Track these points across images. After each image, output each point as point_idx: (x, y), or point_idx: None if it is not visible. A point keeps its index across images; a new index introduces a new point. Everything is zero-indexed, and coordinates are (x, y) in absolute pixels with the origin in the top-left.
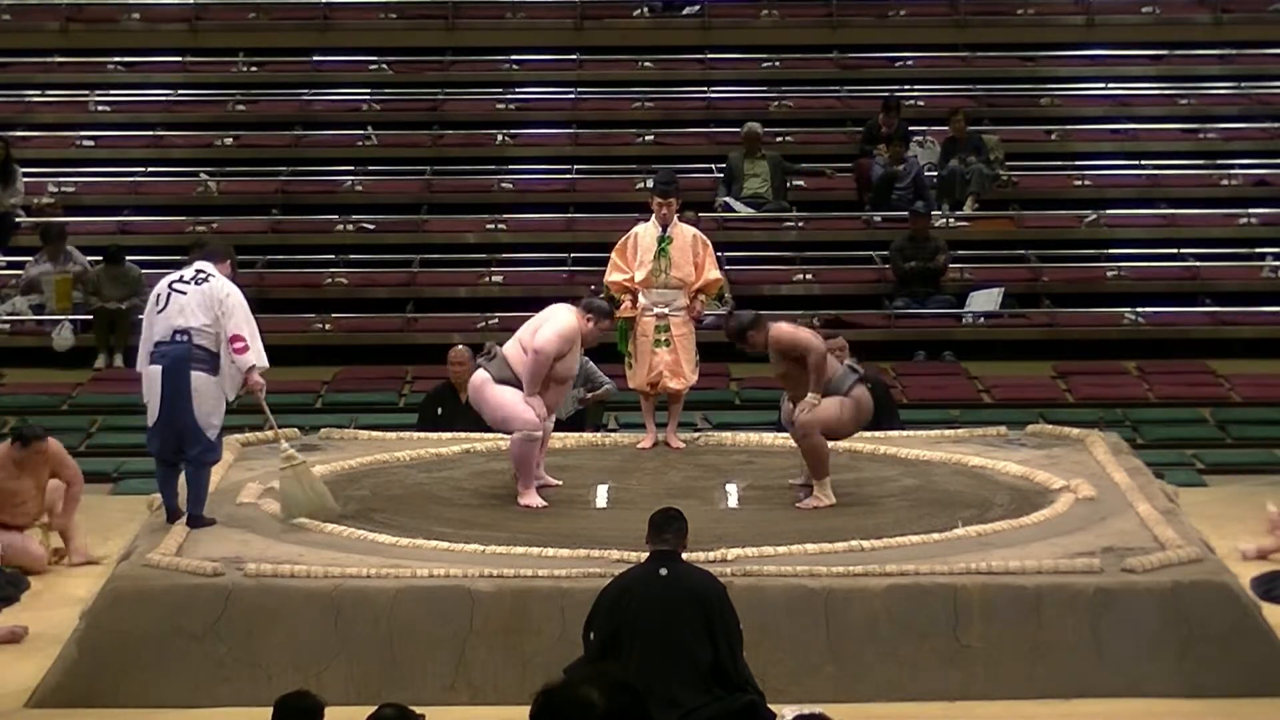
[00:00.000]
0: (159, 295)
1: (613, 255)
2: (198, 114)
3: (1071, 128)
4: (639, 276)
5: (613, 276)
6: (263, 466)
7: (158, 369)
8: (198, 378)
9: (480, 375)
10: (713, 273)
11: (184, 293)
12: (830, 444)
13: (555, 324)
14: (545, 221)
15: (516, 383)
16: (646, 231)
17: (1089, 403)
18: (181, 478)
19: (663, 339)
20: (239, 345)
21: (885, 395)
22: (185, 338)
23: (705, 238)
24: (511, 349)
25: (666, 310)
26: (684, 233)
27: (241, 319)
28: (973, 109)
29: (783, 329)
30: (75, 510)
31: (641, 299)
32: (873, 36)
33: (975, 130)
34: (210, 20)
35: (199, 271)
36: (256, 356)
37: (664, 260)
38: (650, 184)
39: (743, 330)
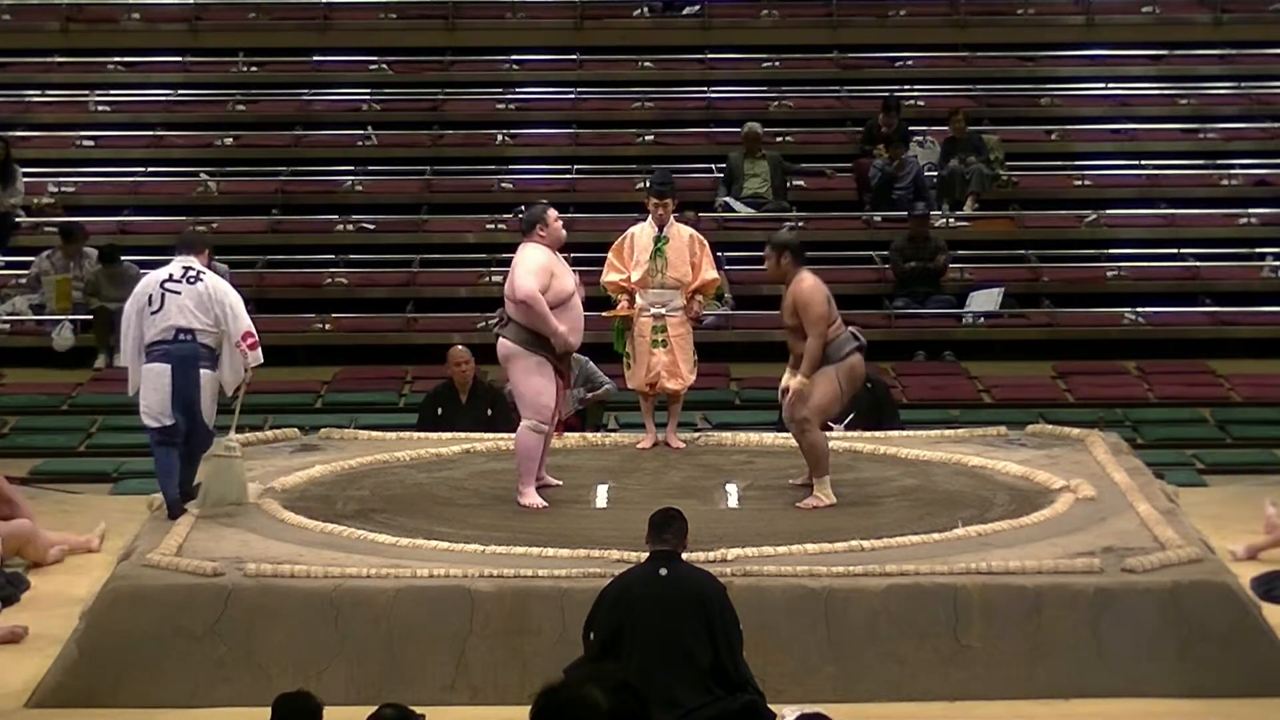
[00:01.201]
0: (150, 295)
1: (609, 255)
2: (198, 114)
3: (1071, 128)
4: (635, 276)
5: (609, 276)
6: (262, 467)
7: (164, 367)
8: (204, 375)
9: (504, 345)
10: (710, 273)
11: (178, 292)
12: (830, 442)
13: (521, 266)
14: None
15: (530, 336)
16: (643, 231)
17: (1089, 403)
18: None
19: (660, 339)
20: (251, 341)
21: (885, 395)
22: (189, 337)
23: (702, 238)
24: (509, 308)
25: (664, 310)
26: (680, 233)
27: (246, 315)
28: (973, 109)
29: (807, 287)
30: (22, 509)
31: (639, 299)
32: (873, 36)
33: (975, 130)
34: (210, 20)
35: (187, 269)
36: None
37: (660, 260)
38: (648, 184)
39: (783, 247)
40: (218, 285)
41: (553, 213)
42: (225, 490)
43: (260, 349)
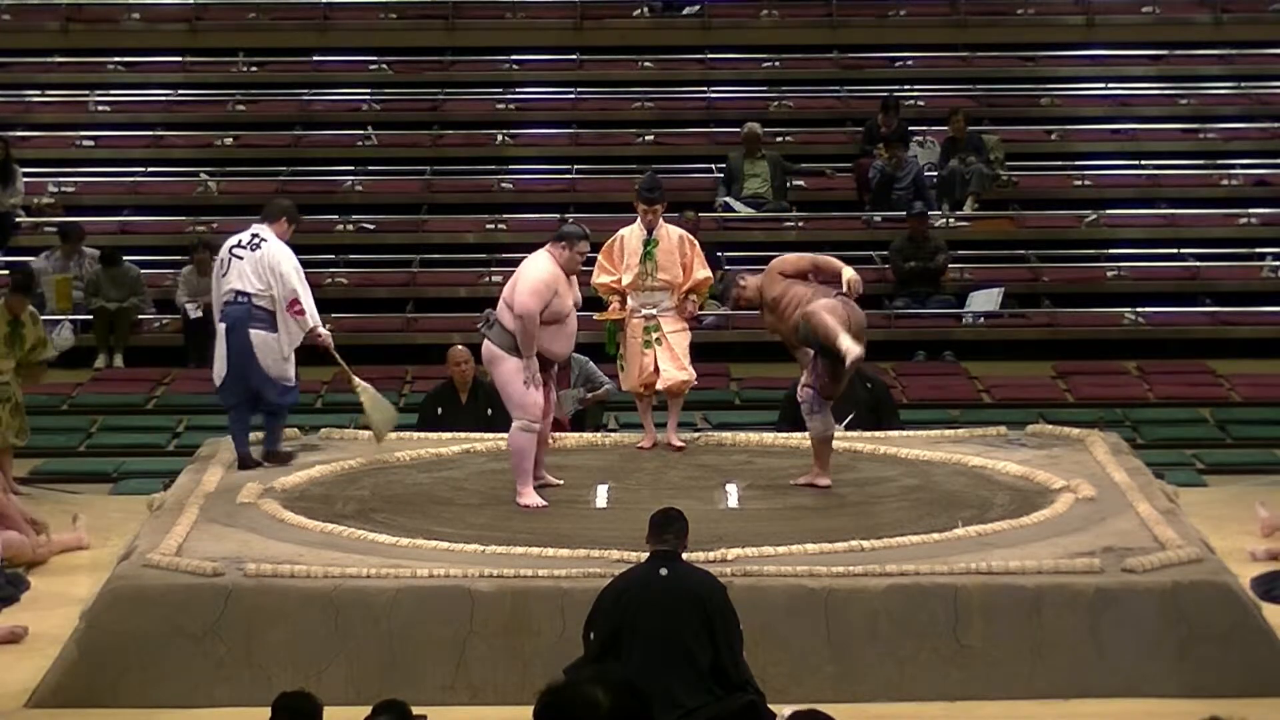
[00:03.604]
0: (221, 260)
1: (599, 257)
2: (198, 114)
3: (1071, 128)
4: (626, 279)
5: (600, 279)
6: (262, 467)
7: (223, 328)
8: (258, 335)
9: (489, 348)
10: (702, 272)
11: (241, 257)
12: (830, 442)
13: (527, 280)
14: (545, 221)
15: (516, 342)
16: (633, 234)
17: (1089, 403)
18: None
19: (653, 339)
20: (296, 309)
21: (885, 395)
22: (244, 299)
23: (692, 238)
24: (502, 311)
25: (655, 311)
26: (670, 235)
27: (295, 283)
28: (973, 109)
29: (767, 277)
30: (19, 524)
31: (630, 301)
32: (873, 36)
33: (975, 130)
34: (210, 20)
35: (255, 236)
36: (313, 318)
37: (650, 263)
38: (636, 189)
39: (737, 276)
40: (274, 252)
41: (585, 245)
42: (380, 416)
43: (307, 315)
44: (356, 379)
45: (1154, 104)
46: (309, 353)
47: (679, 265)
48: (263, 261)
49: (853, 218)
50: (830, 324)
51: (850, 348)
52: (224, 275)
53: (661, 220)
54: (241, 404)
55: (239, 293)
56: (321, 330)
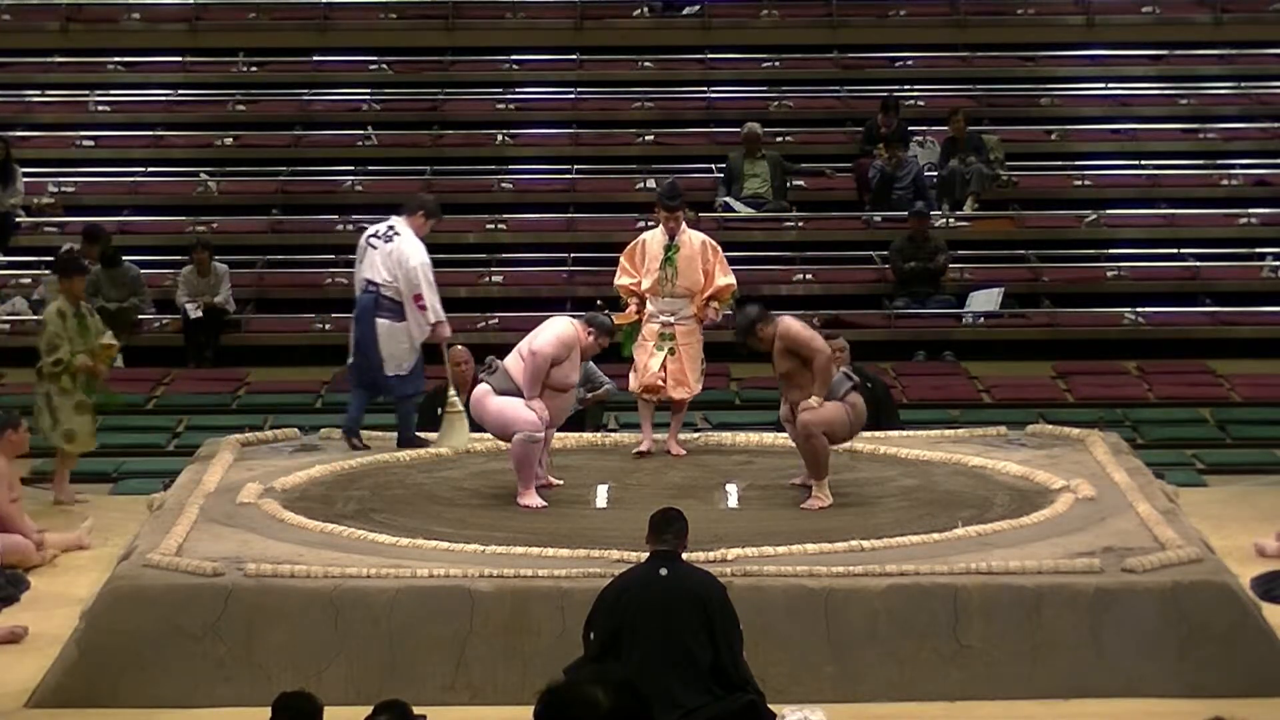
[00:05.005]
0: (360, 248)
1: (621, 259)
2: (198, 114)
3: (1071, 128)
4: (645, 284)
5: (621, 280)
6: (262, 466)
7: (353, 315)
8: (382, 324)
9: (482, 389)
10: (724, 279)
11: (375, 248)
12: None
13: (554, 329)
14: (545, 221)
15: (518, 394)
16: (654, 239)
17: (1089, 403)
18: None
19: (668, 347)
20: (420, 304)
21: (885, 395)
22: (374, 288)
23: (715, 243)
24: (512, 361)
25: (672, 319)
26: (692, 241)
27: (419, 280)
28: (973, 109)
29: (792, 326)
30: (23, 527)
31: (649, 306)
32: (873, 36)
33: (975, 130)
34: (210, 20)
35: (390, 229)
36: (435, 314)
37: (670, 269)
38: (652, 185)
39: (751, 325)
40: (403, 246)
41: (606, 341)
42: (451, 439)
43: (429, 311)
44: (455, 397)
45: (1154, 104)
46: (306, 354)
47: (700, 271)
48: (392, 255)
49: (853, 218)
50: (822, 457)
51: (819, 501)
52: (360, 263)
53: (684, 226)
54: (360, 388)
55: (370, 282)
56: (446, 331)
